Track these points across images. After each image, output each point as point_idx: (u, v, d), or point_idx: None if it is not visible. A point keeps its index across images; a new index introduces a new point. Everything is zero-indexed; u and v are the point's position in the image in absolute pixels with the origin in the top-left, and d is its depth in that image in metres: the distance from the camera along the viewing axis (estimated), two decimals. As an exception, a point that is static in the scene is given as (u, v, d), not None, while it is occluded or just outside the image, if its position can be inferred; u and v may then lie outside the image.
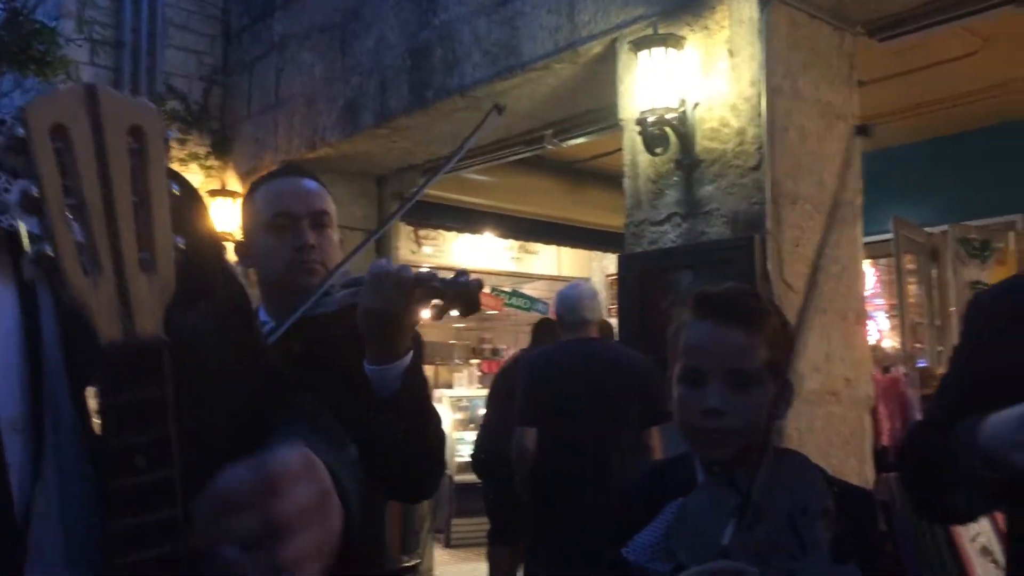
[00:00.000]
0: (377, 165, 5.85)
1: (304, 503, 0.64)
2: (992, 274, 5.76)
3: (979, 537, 3.55)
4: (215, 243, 0.86)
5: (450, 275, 1.35)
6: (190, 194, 0.81)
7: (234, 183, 6.05)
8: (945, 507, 1.31)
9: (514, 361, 5.50)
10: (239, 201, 3.43)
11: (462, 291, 1.31)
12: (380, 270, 1.37)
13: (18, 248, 0.62)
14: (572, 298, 3.74)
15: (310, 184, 1.70)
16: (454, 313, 1.33)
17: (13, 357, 0.67)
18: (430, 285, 1.34)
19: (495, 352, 10.69)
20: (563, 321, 3.79)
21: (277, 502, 0.62)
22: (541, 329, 5.50)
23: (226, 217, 5.61)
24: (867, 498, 1.34)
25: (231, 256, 1.58)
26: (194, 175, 6.02)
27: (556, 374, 3.69)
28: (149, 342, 0.62)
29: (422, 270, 1.41)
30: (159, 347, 0.62)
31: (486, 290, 9.66)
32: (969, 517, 1.39)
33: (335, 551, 0.68)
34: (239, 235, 1.80)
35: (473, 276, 1.33)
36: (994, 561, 3.56)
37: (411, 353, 1.39)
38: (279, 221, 1.64)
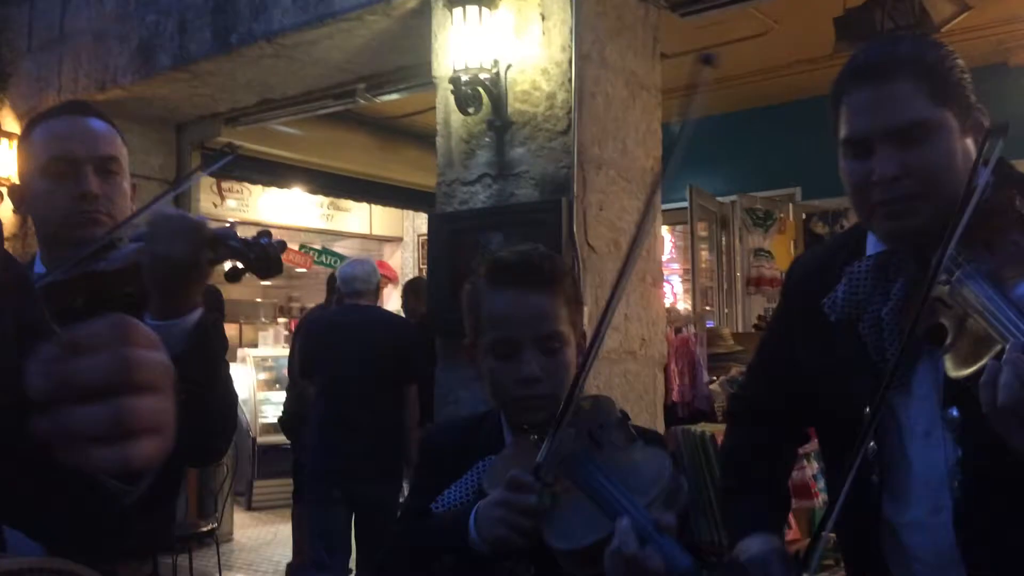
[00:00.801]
0: (176, 112, 5.51)
1: (156, 366, 0.60)
2: (773, 242, 6.25)
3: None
4: None
5: (251, 235, 1.28)
6: None
7: (11, 123, 5.52)
8: None
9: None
10: (15, 143, 3.15)
11: (262, 253, 1.24)
12: (166, 213, 1.27)
13: None
14: (347, 274, 4.43)
15: (96, 125, 1.54)
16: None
17: None
18: (228, 244, 1.25)
19: (304, 311, 10.43)
20: (341, 291, 4.46)
21: (131, 349, 0.58)
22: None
23: (1, 160, 5.11)
24: (660, 438, 1.42)
25: (7, 202, 1.44)
26: (-37, 113, 5.44)
27: (327, 335, 4.35)
28: None
29: (222, 226, 1.32)
30: None
31: (294, 246, 9.37)
32: None
33: (169, 447, 0.61)
34: (16, 179, 1.62)
35: (276, 238, 1.26)
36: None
37: (199, 311, 1.29)
38: (58, 166, 1.48)
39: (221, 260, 1.27)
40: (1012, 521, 1.10)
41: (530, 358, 1.29)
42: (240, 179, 7.02)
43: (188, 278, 1.26)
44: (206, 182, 7.17)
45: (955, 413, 1.13)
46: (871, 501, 1.21)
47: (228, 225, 1.32)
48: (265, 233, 1.26)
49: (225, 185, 7.74)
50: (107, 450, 0.56)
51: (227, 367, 1.41)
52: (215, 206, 7.80)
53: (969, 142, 1.18)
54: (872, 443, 1.14)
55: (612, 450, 1.24)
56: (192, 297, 1.28)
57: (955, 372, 1.02)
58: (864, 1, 4.02)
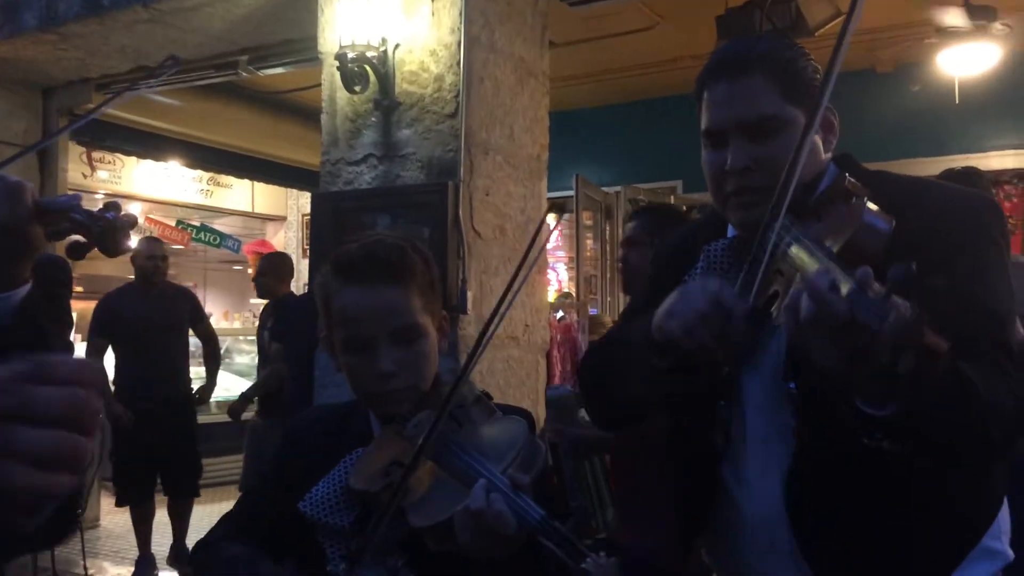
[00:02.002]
0: (43, 75, 5.20)
1: (98, 416, 0.64)
2: (655, 233, 6.39)
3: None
4: None
5: (97, 208, 1.19)
6: None
7: None
8: (617, 406, 1.43)
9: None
10: None
11: (108, 227, 1.15)
12: (5, 180, 1.17)
13: None
14: None
15: None
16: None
17: None
18: (70, 217, 1.15)
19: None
20: None
21: (90, 394, 0.62)
22: None
23: None
24: (529, 415, 1.42)
25: None
26: None
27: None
28: None
29: (69, 197, 1.22)
30: None
31: (170, 222, 9.00)
32: (638, 412, 1.48)
33: (74, 489, 0.64)
34: None
35: (125, 212, 1.18)
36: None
37: (27, 286, 1.18)
38: None
39: (62, 234, 1.17)
40: (838, 489, 1.20)
41: (384, 354, 1.27)
42: (112, 149, 6.67)
43: (8, 249, 1.16)
44: (75, 151, 6.79)
45: (793, 387, 1.21)
46: (712, 463, 1.31)
47: (73, 195, 1.21)
48: (112, 206, 1.17)
49: (96, 155, 7.36)
50: (36, 474, 0.60)
51: (67, 347, 1.32)
52: (84, 177, 7.41)
53: (818, 139, 1.25)
54: (723, 404, 1.24)
55: (471, 427, 1.25)
56: (16, 270, 1.18)
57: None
58: (745, 2, 4.15)
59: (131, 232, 1.18)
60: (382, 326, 1.28)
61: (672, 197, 6.46)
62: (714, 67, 1.27)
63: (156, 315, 4.89)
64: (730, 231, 1.35)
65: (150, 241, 5.22)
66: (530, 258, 1.17)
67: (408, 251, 1.33)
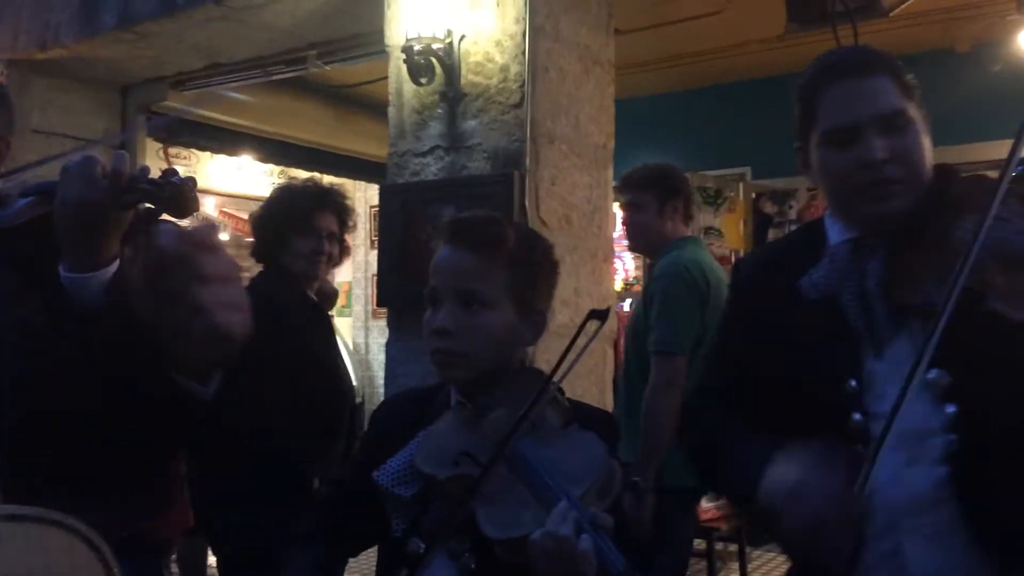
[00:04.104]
0: (121, 73, 5.35)
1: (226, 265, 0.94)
2: (723, 221, 6.31)
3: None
4: None
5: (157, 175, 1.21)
6: None
7: (-55, 81, 5.30)
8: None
9: None
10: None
11: (176, 192, 1.18)
12: (79, 158, 1.18)
13: None
14: None
15: None
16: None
17: None
18: (138, 186, 1.17)
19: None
20: None
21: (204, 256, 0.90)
22: None
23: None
24: (610, 419, 1.43)
25: None
26: None
27: None
28: None
29: (138, 168, 1.24)
30: None
31: (243, 216, 9.20)
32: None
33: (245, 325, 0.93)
34: None
35: (187, 175, 1.21)
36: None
37: (117, 262, 1.23)
38: None
39: (133, 203, 1.21)
40: (1009, 469, 1.20)
41: (445, 311, 1.33)
42: (188, 145, 6.86)
43: (100, 225, 1.20)
44: (152, 147, 6.99)
45: (936, 374, 1.21)
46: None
47: (141, 167, 1.24)
48: (172, 171, 1.20)
49: (172, 151, 7.57)
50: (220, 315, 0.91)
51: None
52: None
53: (927, 139, 1.31)
54: (859, 415, 1.24)
55: (547, 433, 1.25)
56: (108, 247, 1.22)
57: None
58: (816, -17, 4.05)
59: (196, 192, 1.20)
60: (449, 284, 1.34)
61: (741, 184, 6.35)
62: (833, 69, 1.32)
63: None
64: (832, 239, 1.36)
65: None
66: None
67: (506, 229, 1.38)
